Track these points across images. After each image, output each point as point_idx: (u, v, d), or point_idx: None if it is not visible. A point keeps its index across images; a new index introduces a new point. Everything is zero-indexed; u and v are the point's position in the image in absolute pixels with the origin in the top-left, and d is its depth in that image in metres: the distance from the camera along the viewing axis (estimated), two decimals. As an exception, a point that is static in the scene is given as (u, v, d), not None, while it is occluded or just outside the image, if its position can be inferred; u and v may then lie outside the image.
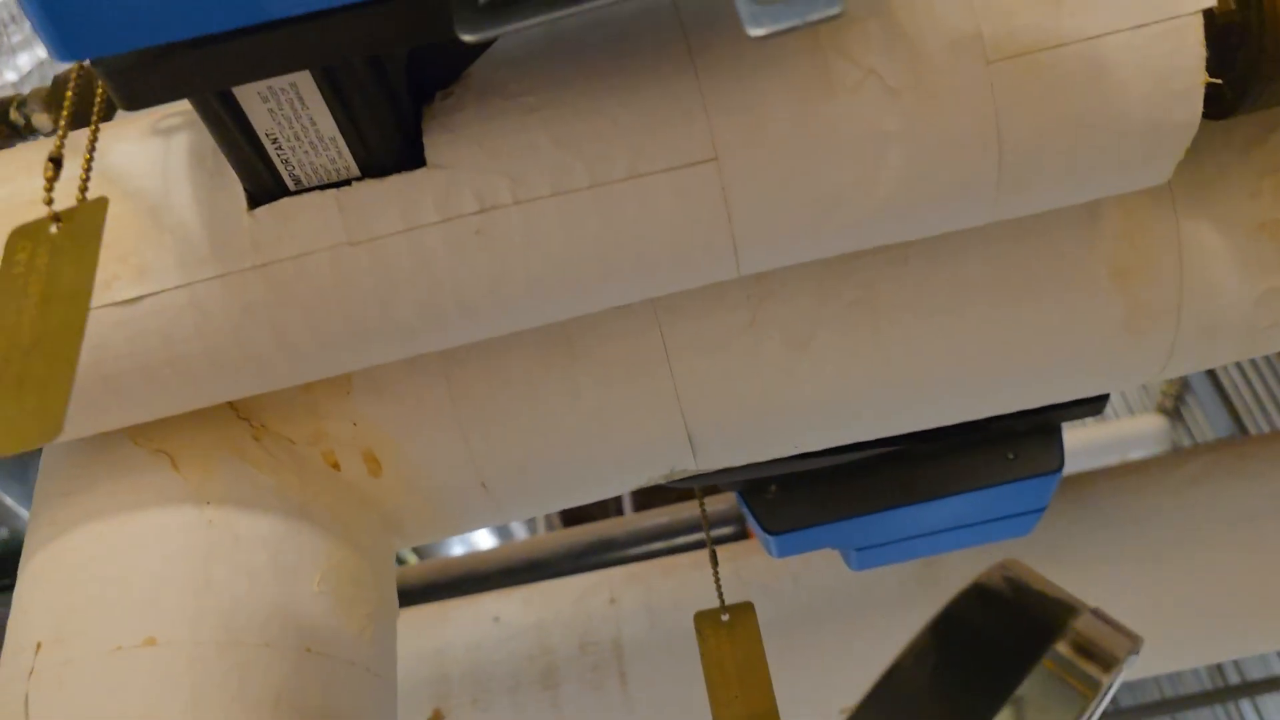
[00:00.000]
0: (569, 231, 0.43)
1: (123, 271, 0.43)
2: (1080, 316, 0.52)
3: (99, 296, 0.43)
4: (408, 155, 0.42)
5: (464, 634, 0.97)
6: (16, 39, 1.58)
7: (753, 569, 0.92)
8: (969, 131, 0.41)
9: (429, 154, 0.42)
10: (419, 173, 0.42)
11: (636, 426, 0.55)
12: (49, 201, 0.36)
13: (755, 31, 0.30)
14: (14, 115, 0.58)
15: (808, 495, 0.66)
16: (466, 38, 0.32)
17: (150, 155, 0.45)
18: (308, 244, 0.43)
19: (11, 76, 1.56)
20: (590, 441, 0.55)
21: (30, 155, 0.47)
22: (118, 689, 0.45)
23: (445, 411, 0.54)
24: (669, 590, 0.94)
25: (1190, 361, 0.55)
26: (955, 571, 0.85)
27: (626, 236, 0.43)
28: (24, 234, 0.35)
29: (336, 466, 0.55)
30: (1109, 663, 0.42)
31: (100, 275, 0.42)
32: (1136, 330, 0.52)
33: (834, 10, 0.30)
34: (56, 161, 0.36)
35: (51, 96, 0.58)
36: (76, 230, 0.35)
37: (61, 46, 0.32)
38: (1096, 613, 0.43)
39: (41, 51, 1.63)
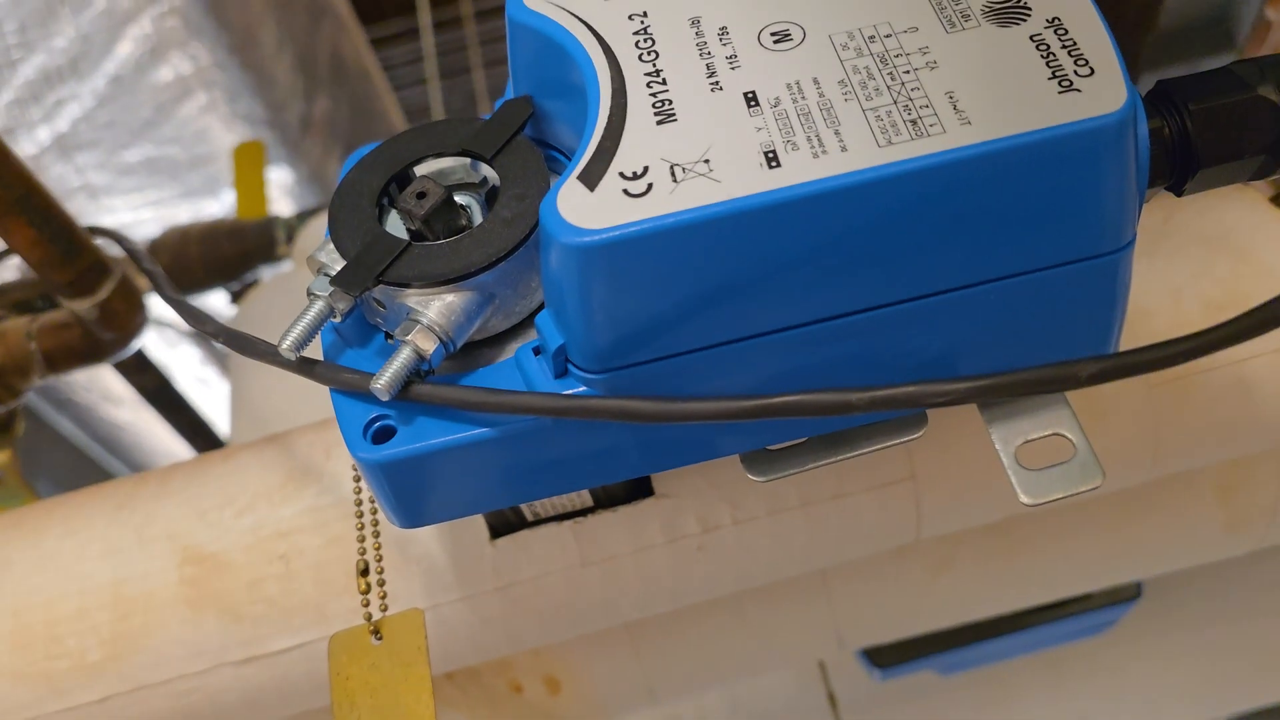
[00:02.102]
0: (779, 543, 0.47)
1: (373, 598, 0.46)
2: (1186, 527, 0.57)
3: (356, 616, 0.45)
4: (638, 486, 0.45)
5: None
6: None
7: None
8: (1134, 442, 0.46)
9: (656, 485, 0.45)
10: (648, 502, 0.45)
11: (794, 637, 0.59)
12: (368, 617, 0.38)
13: (1026, 500, 0.33)
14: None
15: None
16: (756, 479, 0.36)
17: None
18: (544, 567, 0.46)
19: (31, 149, 1.53)
20: (752, 651, 0.60)
21: (254, 475, 0.49)
22: None
23: (621, 638, 0.58)
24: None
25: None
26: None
27: (829, 541, 0.47)
28: (343, 644, 0.38)
29: (519, 690, 0.59)
30: None
31: (357, 600, 0.45)
32: (1233, 529, 0.58)
33: (1096, 483, 0.34)
34: (365, 571, 0.39)
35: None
36: (398, 645, 0.37)
37: (401, 522, 0.35)
38: None
39: (62, 124, 1.59)
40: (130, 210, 1.81)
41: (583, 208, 0.28)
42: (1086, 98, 0.28)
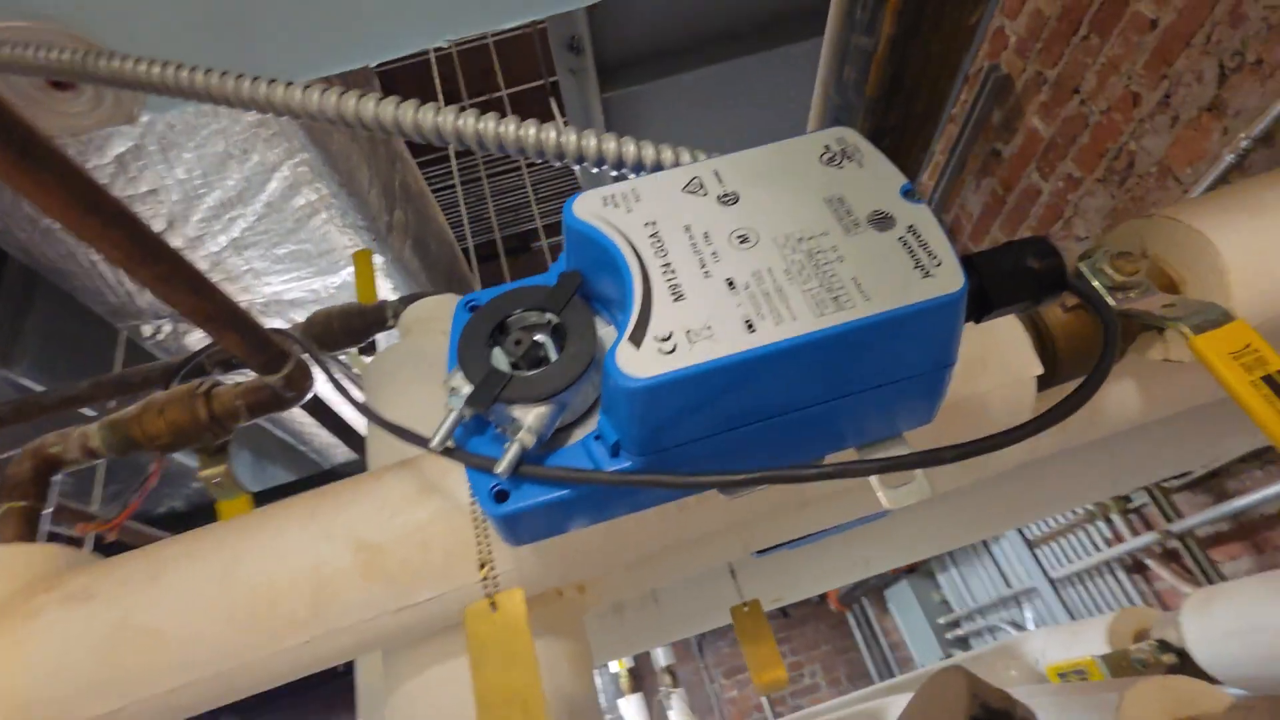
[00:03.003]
0: (720, 511, 0.44)
1: (488, 582, 0.42)
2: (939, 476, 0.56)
3: (475, 576, 0.41)
4: (639, 488, 0.42)
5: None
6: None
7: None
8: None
9: (650, 486, 0.42)
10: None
11: (721, 553, 0.57)
12: (491, 599, 0.35)
13: (888, 505, 0.31)
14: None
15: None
16: (725, 498, 0.33)
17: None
18: (586, 545, 0.43)
19: (215, 248, 1.41)
20: (699, 559, 0.57)
21: (397, 489, 0.44)
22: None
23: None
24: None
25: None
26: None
27: (746, 510, 0.45)
28: (474, 614, 0.34)
29: (560, 594, 0.55)
30: None
31: (477, 574, 0.41)
32: (962, 476, 0.57)
33: (927, 495, 0.32)
34: (483, 565, 0.35)
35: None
36: (507, 615, 0.34)
37: (512, 544, 0.31)
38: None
39: (235, 232, 1.46)
40: (281, 284, 1.70)
41: (633, 361, 0.25)
42: (939, 281, 0.25)
